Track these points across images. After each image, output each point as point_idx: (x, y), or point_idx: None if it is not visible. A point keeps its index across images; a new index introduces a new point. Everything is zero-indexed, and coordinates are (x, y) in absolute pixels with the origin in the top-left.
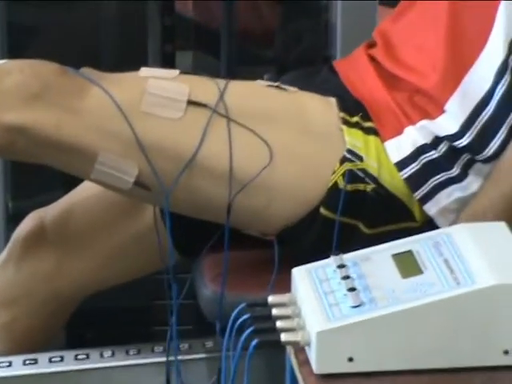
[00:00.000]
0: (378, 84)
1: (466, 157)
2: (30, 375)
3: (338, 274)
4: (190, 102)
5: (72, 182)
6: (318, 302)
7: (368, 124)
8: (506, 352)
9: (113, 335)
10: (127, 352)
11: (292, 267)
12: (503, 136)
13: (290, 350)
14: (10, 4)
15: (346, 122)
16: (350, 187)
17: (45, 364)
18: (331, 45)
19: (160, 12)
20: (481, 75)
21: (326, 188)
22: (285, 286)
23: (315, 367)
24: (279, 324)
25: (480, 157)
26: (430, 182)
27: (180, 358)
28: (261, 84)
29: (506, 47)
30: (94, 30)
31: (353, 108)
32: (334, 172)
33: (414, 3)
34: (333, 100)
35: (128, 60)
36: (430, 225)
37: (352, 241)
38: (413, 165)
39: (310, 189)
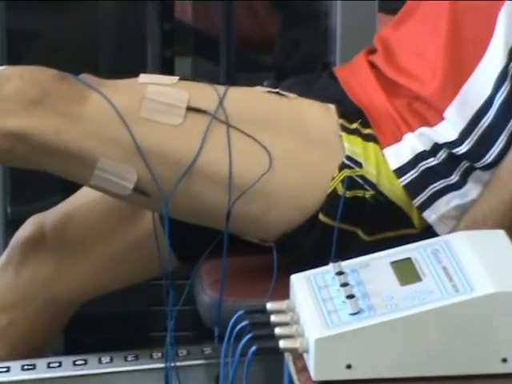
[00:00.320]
0: (378, 90)
1: (465, 164)
2: (28, 380)
3: (337, 280)
4: (190, 109)
5: (71, 187)
6: (317, 308)
7: (367, 131)
8: (505, 360)
9: (111, 341)
10: (125, 358)
11: (291, 274)
12: (503, 143)
13: (288, 357)
14: (9, 10)
15: (345, 129)
16: (348, 194)
17: (43, 369)
18: (330, 51)
19: (159, 17)
20: (480, 82)
21: (324, 194)
22: (283, 292)
23: (313, 374)
24: (278, 331)
25: (479, 164)
26: (428, 189)
27: (178, 364)
28: (260, 90)
29: (506, 54)
30: (92, 36)
31: (352, 114)
32: (333, 178)
33: (415, 11)
34: (332, 106)
35: (127, 65)
36: (428, 232)
37: (351, 247)
38: (412, 172)
39: (309, 195)
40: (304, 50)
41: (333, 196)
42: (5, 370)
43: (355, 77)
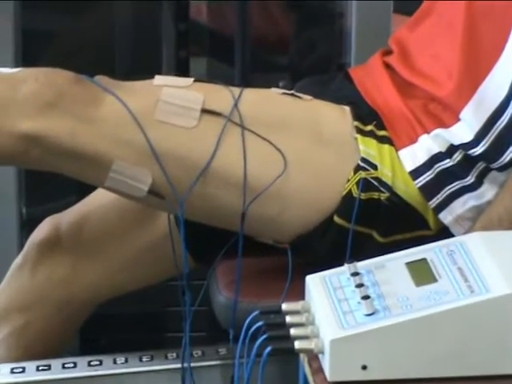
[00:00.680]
0: (393, 92)
1: (481, 165)
2: (43, 381)
3: (352, 281)
4: (205, 111)
5: (86, 188)
6: (332, 309)
7: (382, 133)
8: None
9: (126, 341)
10: (140, 358)
11: (306, 275)
12: None
13: (303, 358)
14: (25, 11)
15: (360, 131)
16: (364, 196)
17: (58, 370)
18: (345, 52)
19: (174, 18)
20: (497, 83)
21: (340, 196)
22: (298, 293)
23: (329, 375)
24: (293, 331)
25: (495, 165)
26: (444, 191)
27: (193, 364)
28: (275, 92)
29: None
30: (108, 37)
31: (367, 116)
32: (348, 180)
33: (431, 11)
34: (347, 108)
35: (142, 66)
36: (444, 233)
37: (366, 249)
38: (427, 173)
39: (324, 197)
40: (319, 51)
41: (348, 198)
42: (20, 370)
43: (370, 78)
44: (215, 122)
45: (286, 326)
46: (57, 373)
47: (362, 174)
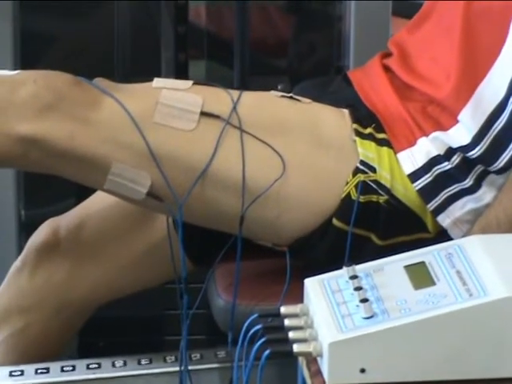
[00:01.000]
0: (392, 94)
1: (479, 168)
2: None
3: (351, 284)
4: (204, 114)
5: (84, 191)
6: (331, 312)
7: (381, 135)
8: None
9: (125, 344)
10: (139, 361)
11: (304, 278)
12: None
13: (302, 361)
14: (24, 13)
15: (358, 134)
16: (362, 198)
17: (57, 373)
18: (344, 55)
19: (173, 20)
20: (495, 85)
21: (338, 199)
22: (297, 296)
23: (327, 378)
24: (291, 334)
25: (493, 168)
26: (443, 194)
27: (192, 367)
28: (274, 95)
29: None
30: (107, 39)
31: (366, 119)
32: (346, 183)
33: (431, 14)
34: (346, 111)
35: (141, 68)
36: (442, 236)
37: (364, 252)
38: (426, 176)
39: (322, 200)
40: (318, 54)
41: (346, 201)
42: (18, 373)
43: (369, 80)
44: (214, 125)
45: (284, 329)
46: (55, 376)
47: (361, 177)
